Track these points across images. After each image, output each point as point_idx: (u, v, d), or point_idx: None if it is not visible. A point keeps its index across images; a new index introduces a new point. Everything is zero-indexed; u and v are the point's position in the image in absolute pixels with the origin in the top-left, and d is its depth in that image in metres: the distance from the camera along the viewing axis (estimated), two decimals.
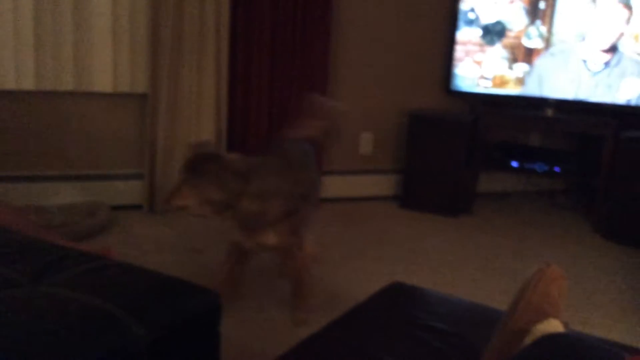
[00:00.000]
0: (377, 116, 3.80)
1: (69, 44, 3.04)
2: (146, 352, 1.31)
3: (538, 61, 3.54)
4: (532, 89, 3.59)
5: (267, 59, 3.32)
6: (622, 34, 3.36)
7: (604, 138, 3.46)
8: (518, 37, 3.56)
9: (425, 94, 3.84)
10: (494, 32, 3.60)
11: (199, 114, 3.23)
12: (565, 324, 1.17)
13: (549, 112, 3.56)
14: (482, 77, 3.65)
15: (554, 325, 1.15)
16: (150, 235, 2.96)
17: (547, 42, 3.51)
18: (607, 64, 3.41)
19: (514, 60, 3.59)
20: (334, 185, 3.64)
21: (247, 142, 3.35)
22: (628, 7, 3.32)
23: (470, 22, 3.62)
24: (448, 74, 3.72)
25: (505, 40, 3.58)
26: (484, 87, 3.66)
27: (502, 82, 3.63)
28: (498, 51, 3.60)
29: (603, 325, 2.39)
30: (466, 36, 3.64)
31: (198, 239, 2.93)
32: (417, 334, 1.37)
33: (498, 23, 3.58)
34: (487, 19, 3.59)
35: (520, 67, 3.59)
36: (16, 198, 3.03)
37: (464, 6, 3.61)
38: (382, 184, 3.84)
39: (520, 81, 3.60)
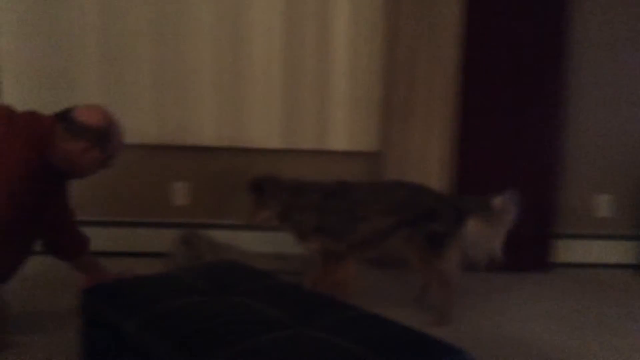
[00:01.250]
0: (616, 176, 3.53)
1: (311, 106, 3.33)
2: None
3: None
4: None
5: (497, 124, 3.30)
6: None
7: None
8: None
9: None
10: None
11: (427, 175, 3.28)
12: None
13: None
14: None
15: None
16: (373, 286, 3.02)
17: None
18: None
19: None
20: (567, 250, 3.46)
21: None
22: None
23: None
24: None
25: None
26: None
27: None
28: None
29: None
30: None
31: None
32: None
33: None
34: None
35: None
36: (254, 246, 3.31)
37: None
38: (624, 250, 3.52)
39: None
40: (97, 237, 3.33)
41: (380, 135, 3.33)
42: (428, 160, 3.27)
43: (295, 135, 3.36)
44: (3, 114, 2.11)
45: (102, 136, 2.16)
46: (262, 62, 3.30)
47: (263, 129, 3.35)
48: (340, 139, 3.38)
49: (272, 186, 2.69)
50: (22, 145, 2.02)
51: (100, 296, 1.85)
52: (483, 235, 2.63)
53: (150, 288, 1.85)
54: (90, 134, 2.14)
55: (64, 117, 2.16)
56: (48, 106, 3.21)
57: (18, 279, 2.83)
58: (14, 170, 1.99)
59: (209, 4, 3.23)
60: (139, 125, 3.30)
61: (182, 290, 1.81)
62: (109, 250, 3.35)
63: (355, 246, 2.67)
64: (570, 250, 3.51)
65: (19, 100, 3.20)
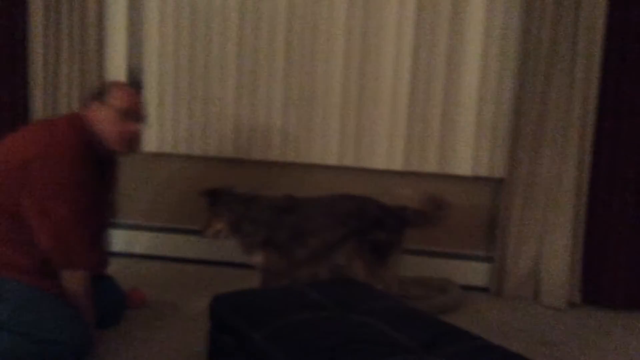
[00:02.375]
0: None
1: (436, 129, 3.30)
2: None
3: None
4: None
5: (636, 156, 3.10)
6: None
7: None
8: None
9: None
10: None
11: (556, 203, 3.14)
12: None
13: None
14: None
15: None
16: (497, 319, 2.93)
17: None
18: None
19: None
20: None
21: (608, 237, 3.12)
22: None
23: None
24: None
25: None
26: None
27: None
28: None
29: None
30: None
31: (549, 331, 2.79)
32: None
33: None
34: None
35: None
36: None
37: None
38: None
39: None
40: (221, 248, 3.51)
41: (506, 161, 3.23)
42: (559, 187, 3.12)
43: (418, 158, 3.34)
44: (44, 121, 2.41)
45: (100, 91, 2.35)
46: (388, 83, 3.31)
47: (386, 150, 3.36)
48: (464, 163, 3.31)
49: (226, 196, 2.78)
50: (67, 129, 2.22)
51: (228, 304, 1.94)
52: None
53: (275, 300, 1.91)
54: (94, 93, 2.36)
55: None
56: (184, 120, 3.46)
57: (148, 283, 3.04)
58: (69, 151, 2.16)
59: (338, 25, 3.31)
60: (266, 142, 3.43)
61: (306, 305, 1.85)
62: (230, 261, 3.50)
63: (304, 261, 2.77)
64: None
65: (158, 114, 3.45)
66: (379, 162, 3.38)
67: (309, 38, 3.34)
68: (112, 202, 2.58)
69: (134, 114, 2.36)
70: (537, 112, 3.10)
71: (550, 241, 3.15)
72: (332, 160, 3.41)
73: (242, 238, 2.79)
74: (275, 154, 3.44)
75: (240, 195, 2.81)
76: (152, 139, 3.47)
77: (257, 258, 2.78)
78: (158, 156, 3.54)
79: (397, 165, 3.36)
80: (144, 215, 3.58)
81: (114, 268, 2.59)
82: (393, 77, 3.31)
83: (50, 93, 3.37)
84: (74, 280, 2.20)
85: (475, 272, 3.35)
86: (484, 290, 3.31)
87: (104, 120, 2.29)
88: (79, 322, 2.15)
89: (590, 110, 3.07)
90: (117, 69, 3.46)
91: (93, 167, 2.26)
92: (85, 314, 2.22)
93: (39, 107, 3.38)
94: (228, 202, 2.77)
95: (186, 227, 3.54)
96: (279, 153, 3.43)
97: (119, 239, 3.51)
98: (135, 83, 3.46)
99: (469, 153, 3.31)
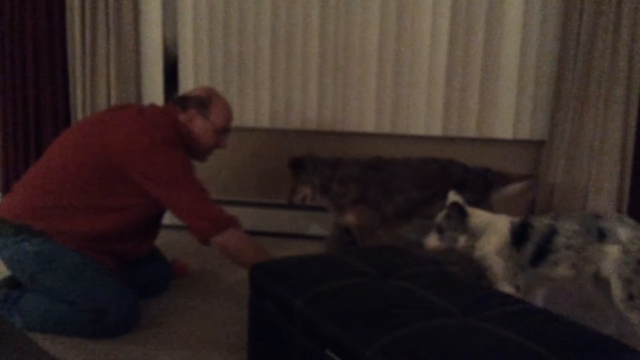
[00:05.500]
0: None
1: (475, 92, 3.23)
2: None
3: None
4: None
5: None
6: None
7: None
8: None
9: None
10: None
11: (600, 165, 3.06)
12: None
13: None
14: None
15: None
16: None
17: None
18: None
19: None
20: None
21: None
22: None
23: None
24: None
25: None
26: None
27: None
28: None
29: None
30: None
31: (590, 296, 2.74)
32: None
33: None
34: None
35: None
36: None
37: None
38: None
39: None
40: (259, 218, 3.54)
41: (549, 123, 3.15)
42: (604, 150, 3.04)
43: (458, 122, 3.29)
44: (134, 109, 2.40)
45: (203, 103, 2.41)
46: (426, 46, 3.26)
47: (424, 116, 3.31)
48: (504, 126, 3.25)
49: (312, 162, 2.82)
50: (155, 127, 2.26)
51: (268, 272, 1.95)
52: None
53: (315, 268, 1.91)
54: (193, 101, 2.42)
55: (178, 98, 2.48)
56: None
57: (189, 253, 3.09)
58: (176, 140, 2.28)
59: None
60: (304, 111, 3.42)
61: (346, 272, 1.86)
62: (267, 231, 3.53)
63: (390, 217, 2.81)
64: None
65: (193, 85, 3.48)
66: (417, 128, 3.34)
67: (344, 3, 3.29)
68: None
69: (228, 131, 2.51)
70: (580, 72, 3.01)
71: (594, 205, 3.08)
72: (369, 128, 3.38)
73: (332, 199, 2.84)
74: (312, 123, 3.43)
75: (325, 159, 2.87)
76: None
77: (350, 217, 2.84)
78: None
79: (436, 130, 3.32)
80: None
81: (157, 240, 2.64)
82: (431, 40, 3.25)
83: (89, 71, 3.43)
84: (233, 239, 2.32)
85: None
86: None
87: (201, 130, 2.41)
88: (127, 293, 2.22)
89: (637, 69, 2.96)
90: (152, 45, 3.50)
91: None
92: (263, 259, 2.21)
93: (78, 84, 3.45)
94: (314, 167, 2.82)
95: (225, 198, 3.58)
96: (315, 122, 3.42)
97: None
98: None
99: (510, 116, 3.24)
